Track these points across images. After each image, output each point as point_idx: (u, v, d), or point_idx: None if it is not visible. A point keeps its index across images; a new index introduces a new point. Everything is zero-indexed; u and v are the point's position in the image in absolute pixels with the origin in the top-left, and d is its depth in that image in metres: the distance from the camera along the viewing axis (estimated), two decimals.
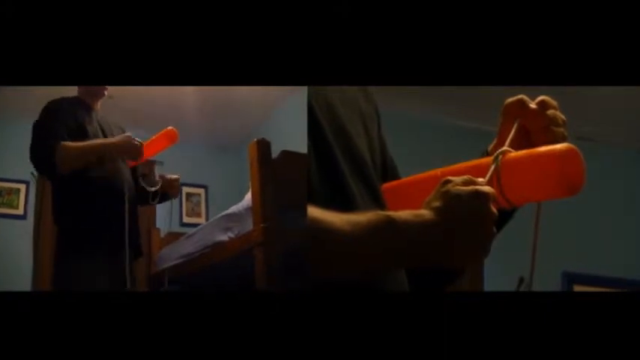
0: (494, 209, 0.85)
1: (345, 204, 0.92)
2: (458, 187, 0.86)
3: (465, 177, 0.89)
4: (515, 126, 1.04)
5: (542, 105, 1.04)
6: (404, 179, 1.17)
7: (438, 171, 1.05)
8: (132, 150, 2.26)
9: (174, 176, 2.53)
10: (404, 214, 0.86)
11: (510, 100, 1.06)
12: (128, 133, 2.30)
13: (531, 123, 1.04)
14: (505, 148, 0.97)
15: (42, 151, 2.12)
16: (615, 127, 4.53)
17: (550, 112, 1.03)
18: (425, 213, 0.86)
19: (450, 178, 0.89)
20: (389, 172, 1.21)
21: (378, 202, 1.03)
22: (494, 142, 1.11)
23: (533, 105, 1.04)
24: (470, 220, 0.84)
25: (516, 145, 0.99)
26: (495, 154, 0.96)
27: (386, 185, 1.13)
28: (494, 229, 0.85)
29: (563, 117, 1.04)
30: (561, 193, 0.91)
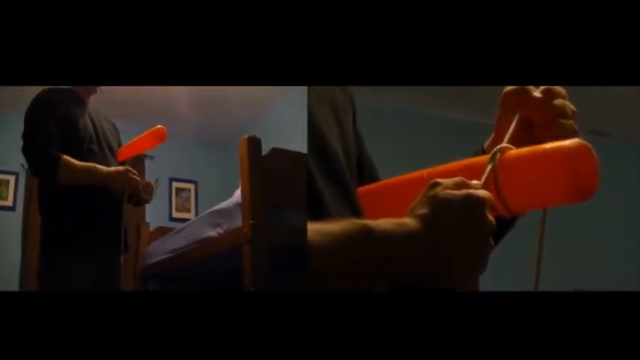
0: (491, 217, 0.73)
1: (314, 210, 0.82)
2: (448, 191, 0.74)
3: (457, 179, 0.77)
4: (516, 118, 0.90)
5: (548, 94, 0.89)
6: (384, 181, 1.02)
7: (424, 172, 0.92)
8: (129, 185, 2.24)
9: (150, 181, 2.43)
10: (384, 222, 0.74)
11: (510, 87, 0.92)
12: (128, 167, 2.25)
13: (535, 114, 0.90)
14: (504, 144, 0.84)
15: (44, 160, 2.10)
16: (633, 120, 3.89)
17: (557, 101, 0.89)
18: (409, 222, 0.74)
19: (438, 180, 0.77)
20: (366, 172, 1.07)
21: (353, 208, 0.91)
22: (491, 137, 0.97)
23: (537, 93, 0.90)
24: (462, 231, 0.72)
25: (517, 140, 0.86)
26: (492, 151, 0.83)
27: (363, 188, 1.00)
28: (492, 241, 0.73)
29: (573, 107, 0.89)
30: (571, 199, 0.78)
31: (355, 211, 0.91)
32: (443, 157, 0.99)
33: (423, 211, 0.74)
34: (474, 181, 0.78)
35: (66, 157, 2.10)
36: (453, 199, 0.73)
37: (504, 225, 0.88)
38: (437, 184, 0.76)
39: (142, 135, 2.48)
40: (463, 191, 0.74)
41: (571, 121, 0.88)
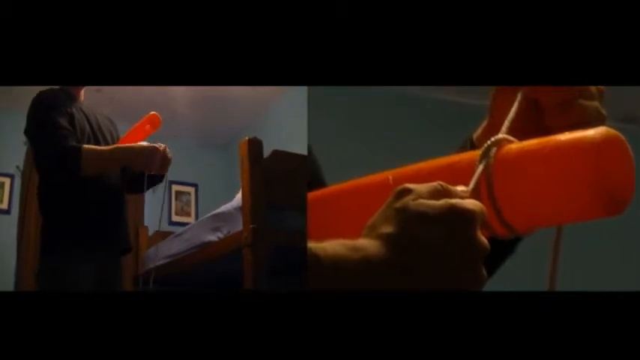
0: (482, 238, 0.55)
1: None
2: (422, 202, 0.55)
3: (435, 184, 0.57)
4: (518, 99, 0.69)
5: None
6: (334, 187, 0.78)
7: (389, 174, 0.70)
8: (156, 161, 2.19)
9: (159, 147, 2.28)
10: (333, 246, 0.55)
11: None
12: (154, 144, 2.20)
13: (546, 94, 0.69)
14: (502, 135, 0.63)
15: (66, 154, 2.06)
16: None
17: None
18: (367, 245, 0.55)
19: (408, 186, 0.57)
20: (308, 173, 0.87)
21: None
22: (484, 125, 0.76)
23: None
24: (442, 257, 0.53)
25: (520, 129, 0.65)
26: (486, 145, 0.63)
27: None
28: (484, 272, 0.55)
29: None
30: (596, 211, 0.57)
31: None
32: (416, 152, 0.78)
33: (388, 229, 0.55)
34: (460, 187, 0.59)
35: (86, 145, 2.08)
36: (428, 212, 0.54)
37: (502, 248, 0.69)
38: (407, 192, 0.57)
39: (137, 124, 2.47)
40: (443, 201, 0.55)
41: (596, 103, 0.67)
